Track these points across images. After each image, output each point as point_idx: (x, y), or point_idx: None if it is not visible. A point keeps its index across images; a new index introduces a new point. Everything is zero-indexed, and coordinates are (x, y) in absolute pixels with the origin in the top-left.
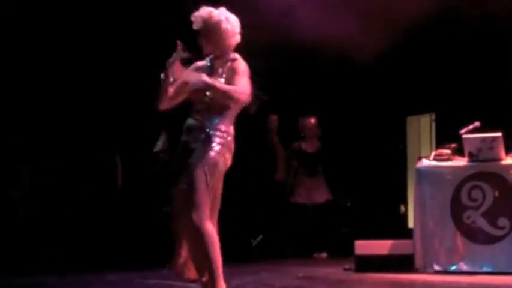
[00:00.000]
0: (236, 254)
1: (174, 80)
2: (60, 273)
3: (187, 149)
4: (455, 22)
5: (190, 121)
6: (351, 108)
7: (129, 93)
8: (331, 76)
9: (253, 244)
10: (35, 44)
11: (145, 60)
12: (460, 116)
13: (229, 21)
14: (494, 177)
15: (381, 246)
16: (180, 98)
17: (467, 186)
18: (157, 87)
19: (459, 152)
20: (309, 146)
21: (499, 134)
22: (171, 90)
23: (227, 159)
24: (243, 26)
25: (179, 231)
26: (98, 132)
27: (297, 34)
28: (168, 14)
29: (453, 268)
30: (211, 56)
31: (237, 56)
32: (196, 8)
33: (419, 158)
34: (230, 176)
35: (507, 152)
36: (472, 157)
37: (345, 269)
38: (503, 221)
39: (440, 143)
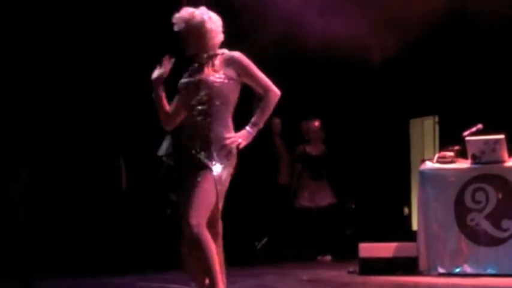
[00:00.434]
0: (240, 257)
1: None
2: (61, 276)
3: (190, 156)
4: (458, 25)
5: (189, 126)
6: (354, 111)
7: (134, 96)
8: (335, 79)
9: (258, 247)
10: (36, 44)
11: (149, 61)
12: (463, 119)
13: (212, 21)
14: (498, 179)
15: (385, 249)
16: (183, 116)
17: (471, 188)
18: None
19: (462, 154)
20: (313, 149)
21: (502, 136)
22: (167, 107)
23: (232, 165)
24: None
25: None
26: (102, 135)
27: (301, 37)
28: (169, 14)
29: (457, 270)
30: (196, 58)
31: (224, 50)
32: (196, 7)
33: (423, 161)
34: (234, 179)
35: (510, 154)
36: (475, 159)
37: (349, 272)
38: (506, 223)
39: (443, 145)
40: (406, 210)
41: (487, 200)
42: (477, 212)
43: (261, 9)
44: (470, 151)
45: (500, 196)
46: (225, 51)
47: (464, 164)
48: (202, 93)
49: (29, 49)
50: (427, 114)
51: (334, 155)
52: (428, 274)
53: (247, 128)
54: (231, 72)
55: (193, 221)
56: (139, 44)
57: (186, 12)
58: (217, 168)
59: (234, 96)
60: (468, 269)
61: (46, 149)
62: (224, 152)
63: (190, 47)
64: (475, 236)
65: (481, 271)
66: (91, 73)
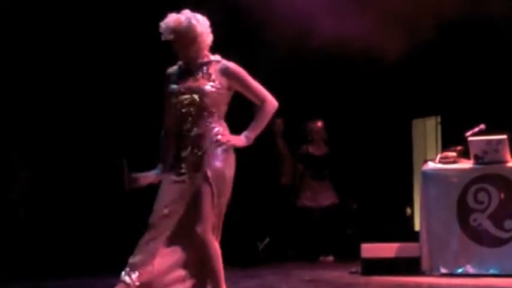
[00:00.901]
0: (242, 257)
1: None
2: (61, 276)
3: (186, 159)
4: (460, 26)
5: (180, 134)
6: (357, 111)
7: (135, 96)
8: (338, 80)
9: (260, 248)
10: (36, 44)
11: (149, 62)
12: (465, 119)
13: (200, 23)
14: (500, 180)
15: (387, 249)
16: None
17: (473, 188)
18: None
19: (465, 154)
20: (316, 150)
21: (504, 137)
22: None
23: (232, 165)
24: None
25: None
26: (103, 135)
27: (304, 38)
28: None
29: (459, 271)
30: (187, 63)
31: (218, 57)
32: (198, 7)
33: (425, 161)
34: (236, 179)
35: None
36: (477, 159)
37: (351, 272)
38: (509, 224)
39: (445, 145)
40: (408, 210)
41: (490, 200)
42: (479, 213)
43: (266, 11)
44: (472, 151)
45: (502, 196)
46: (219, 58)
47: (466, 164)
48: (196, 101)
49: (29, 49)
50: (430, 114)
51: (336, 155)
52: (430, 274)
53: (242, 135)
54: (225, 82)
55: (199, 229)
56: (139, 44)
57: (171, 19)
58: (213, 171)
59: (224, 104)
60: (470, 270)
61: (46, 149)
62: (216, 147)
63: (182, 54)
64: (478, 237)
65: (483, 271)
66: (91, 73)
